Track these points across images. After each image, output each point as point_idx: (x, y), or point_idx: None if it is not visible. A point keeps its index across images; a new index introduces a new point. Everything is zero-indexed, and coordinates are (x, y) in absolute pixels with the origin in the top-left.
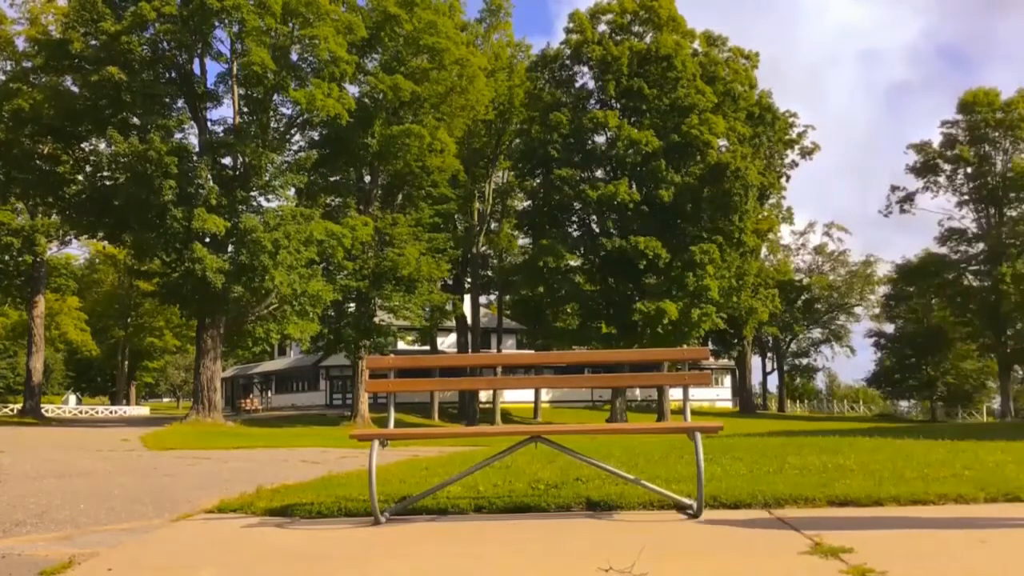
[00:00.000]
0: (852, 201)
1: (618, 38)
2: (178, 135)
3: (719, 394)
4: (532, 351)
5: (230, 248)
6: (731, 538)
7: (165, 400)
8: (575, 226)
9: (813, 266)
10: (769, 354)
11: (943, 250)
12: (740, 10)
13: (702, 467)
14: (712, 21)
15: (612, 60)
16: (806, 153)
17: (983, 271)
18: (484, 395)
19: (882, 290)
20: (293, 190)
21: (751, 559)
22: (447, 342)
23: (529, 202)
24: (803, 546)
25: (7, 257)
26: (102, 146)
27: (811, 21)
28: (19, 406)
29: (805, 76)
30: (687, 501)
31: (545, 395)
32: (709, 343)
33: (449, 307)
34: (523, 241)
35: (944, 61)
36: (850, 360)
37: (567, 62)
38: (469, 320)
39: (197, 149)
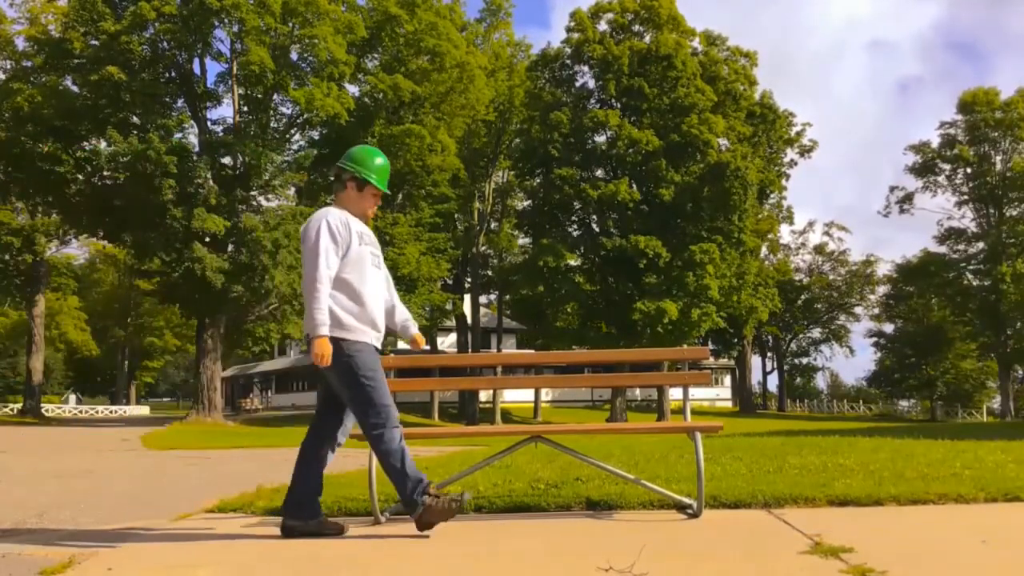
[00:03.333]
0: (858, 198)
1: (619, 37)
2: (178, 135)
3: (719, 394)
4: (532, 351)
5: (230, 248)
6: (731, 538)
7: (165, 400)
8: (575, 226)
9: (813, 266)
10: (769, 354)
11: (942, 249)
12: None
13: (702, 467)
14: (715, 8)
15: (613, 59)
16: (805, 151)
17: (983, 271)
18: (484, 395)
19: (882, 290)
20: (293, 189)
21: (751, 559)
22: (447, 342)
23: (529, 202)
24: (803, 546)
25: (7, 257)
26: (102, 146)
27: (816, 11)
28: (19, 406)
29: (811, 69)
30: (687, 501)
31: (545, 395)
32: (709, 343)
33: (449, 307)
34: (523, 241)
35: (953, 54)
36: (850, 360)
37: (567, 61)
38: (469, 320)
39: (197, 149)
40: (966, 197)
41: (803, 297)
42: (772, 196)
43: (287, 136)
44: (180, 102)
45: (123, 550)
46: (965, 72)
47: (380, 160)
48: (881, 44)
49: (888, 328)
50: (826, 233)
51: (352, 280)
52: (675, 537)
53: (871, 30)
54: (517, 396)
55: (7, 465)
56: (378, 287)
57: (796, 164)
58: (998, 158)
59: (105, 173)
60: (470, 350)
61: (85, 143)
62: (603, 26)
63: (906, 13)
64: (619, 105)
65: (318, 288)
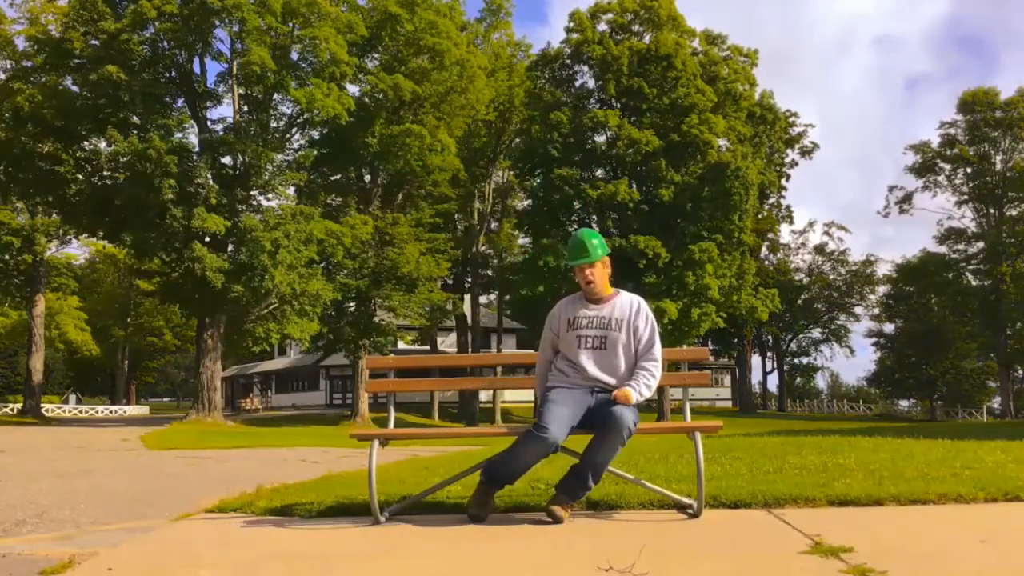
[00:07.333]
0: (861, 195)
1: (618, 37)
2: (178, 134)
3: (719, 394)
4: (532, 351)
5: (230, 247)
6: (731, 538)
7: (165, 400)
8: (575, 225)
9: (813, 266)
10: (769, 354)
11: (942, 249)
12: None
13: (702, 467)
14: (716, 7)
15: (612, 59)
16: (805, 152)
17: (983, 270)
18: (484, 395)
19: (882, 290)
20: (293, 189)
21: (751, 559)
22: (447, 342)
23: (529, 202)
24: (803, 546)
25: (7, 257)
26: (102, 145)
27: (820, 8)
28: (19, 406)
29: (814, 66)
30: (687, 501)
31: None
32: (709, 343)
33: (449, 307)
34: (523, 241)
35: (961, 50)
36: (850, 360)
37: (567, 61)
38: (469, 320)
39: (197, 148)
40: (966, 197)
41: (803, 297)
42: (772, 196)
43: (287, 136)
44: (180, 102)
45: (123, 550)
46: (972, 69)
47: (570, 241)
48: (885, 41)
49: (888, 328)
50: (826, 233)
51: (564, 356)
52: (675, 537)
53: (876, 26)
54: (517, 396)
55: (7, 465)
56: (590, 360)
57: (796, 164)
58: (998, 158)
59: (105, 173)
60: (470, 350)
61: (85, 143)
62: (603, 26)
63: (911, 10)
64: (619, 105)
65: (537, 365)
